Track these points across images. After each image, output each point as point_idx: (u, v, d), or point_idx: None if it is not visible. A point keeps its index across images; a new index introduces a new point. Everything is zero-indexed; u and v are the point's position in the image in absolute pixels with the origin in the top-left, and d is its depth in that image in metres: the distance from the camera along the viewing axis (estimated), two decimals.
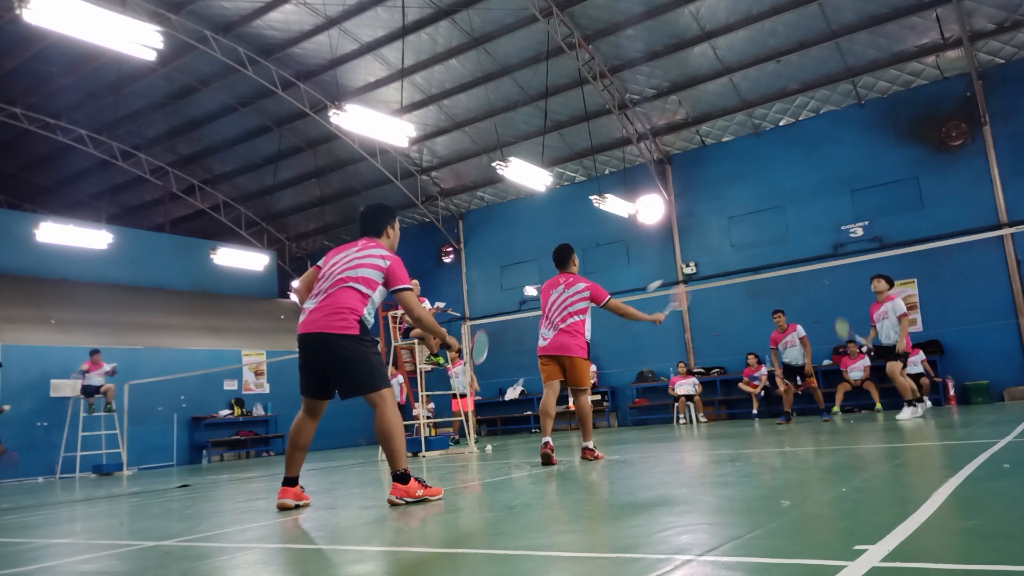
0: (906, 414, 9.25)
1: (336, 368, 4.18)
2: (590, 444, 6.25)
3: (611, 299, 6.30)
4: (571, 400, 8.66)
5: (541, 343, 6.23)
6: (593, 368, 16.64)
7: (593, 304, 6.26)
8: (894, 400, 12.89)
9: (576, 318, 6.16)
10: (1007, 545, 1.98)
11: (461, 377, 12.60)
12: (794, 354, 10.93)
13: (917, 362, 12.79)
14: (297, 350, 4.29)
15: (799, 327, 10.93)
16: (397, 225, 4.66)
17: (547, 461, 5.90)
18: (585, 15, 14.20)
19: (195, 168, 20.83)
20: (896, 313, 9.32)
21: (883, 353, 9.53)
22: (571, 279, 6.32)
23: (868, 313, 9.73)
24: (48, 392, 13.56)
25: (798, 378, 10.95)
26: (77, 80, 16.52)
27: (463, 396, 11.48)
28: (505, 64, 15.58)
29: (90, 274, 17.73)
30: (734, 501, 3.28)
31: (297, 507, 4.36)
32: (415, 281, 10.05)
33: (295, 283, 16.52)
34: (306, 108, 16.72)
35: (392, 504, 4.01)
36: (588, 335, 6.25)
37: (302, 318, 4.31)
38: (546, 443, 5.99)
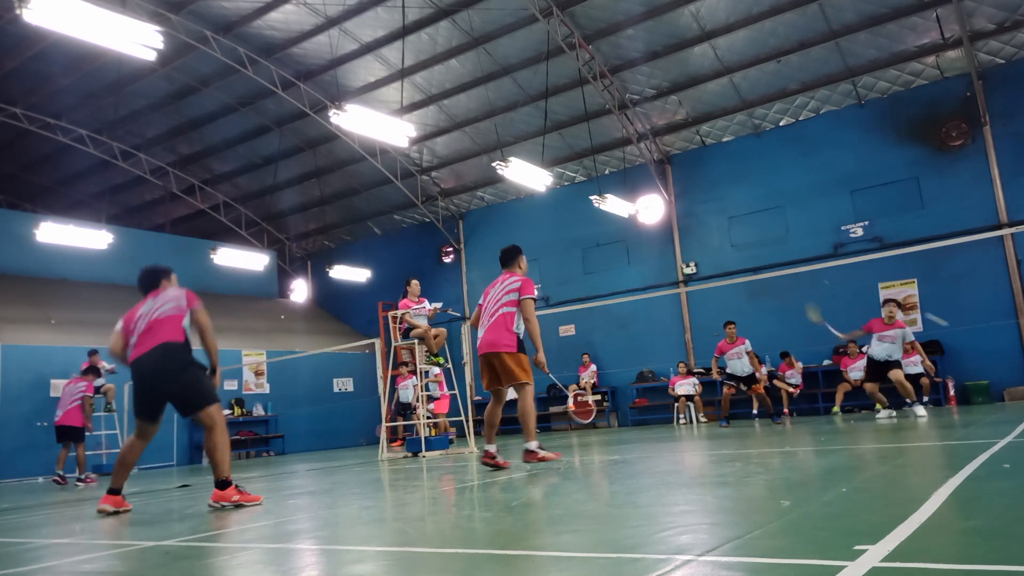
0: (922, 411, 9.47)
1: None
2: (531, 445, 5.93)
3: (527, 300, 5.82)
4: (569, 400, 8.65)
5: (477, 343, 5.98)
6: (594, 368, 16.65)
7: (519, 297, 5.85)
8: (894, 400, 12.89)
9: (505, 309, 5.80)
10: (1007, 545, 1.98)
11: (410, 389, 12.68)
12: (738, 366, 11.27)
13: (917, 362, 12.79)
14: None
15: (747, 341, 11.29)
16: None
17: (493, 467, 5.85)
18: (585, 15, 14.20)
19: (195, 168, 20.83)
20: (907, 340, 9.69)
21: (878, 367, 9.79)
22: (508, 276, 6.04)
23: (867, 318, 9.89)
24: (48, 392, 13.56)
25: (742, 385, 11.47)
26: (77, 80, 16.52)
27: (437, 399, 11.61)
28: (505, 64, 15.58)
29: (90, 274, 17.72)
30: (734, 501, 3.28)
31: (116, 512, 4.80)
32: (415, 281, 10.08)
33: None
34: (306, 108, 16.72)
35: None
36: (519, 330, 5.85)
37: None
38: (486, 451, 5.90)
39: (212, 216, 22.01)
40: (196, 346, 5.05)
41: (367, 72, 16.54)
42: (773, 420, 11.28)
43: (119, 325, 5.37)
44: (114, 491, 4.93)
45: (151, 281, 5.60)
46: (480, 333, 5.96)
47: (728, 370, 11.41)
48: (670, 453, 6.55)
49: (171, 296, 5.30)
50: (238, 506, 4.62)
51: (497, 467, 5.90)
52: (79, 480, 10.24)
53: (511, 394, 6.12)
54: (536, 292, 6.05)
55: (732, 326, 11.37)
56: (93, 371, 10.64)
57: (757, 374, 11.50)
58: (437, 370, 11.27)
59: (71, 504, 6.71)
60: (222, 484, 4.69)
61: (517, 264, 6.18)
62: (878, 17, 13.20)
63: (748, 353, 11.28)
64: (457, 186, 19.61)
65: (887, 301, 10.08)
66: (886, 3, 12.99)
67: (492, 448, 5.98)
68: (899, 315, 9.87)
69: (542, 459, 5.86)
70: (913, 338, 9.82)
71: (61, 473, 10.13)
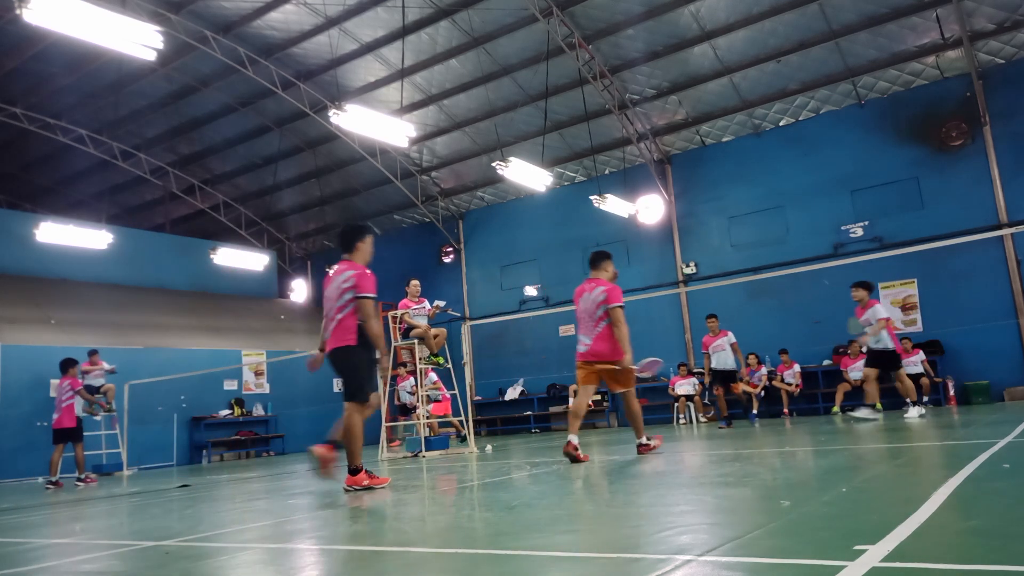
0: (914, 413, 9.33)
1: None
2: (643, 440, 6.49)
3: (616, 309, 6.21)
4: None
5: (580, 349, 6.37)
6: None
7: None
8: (894, 400, 12.90)
9: (605, 321, 6.22)
10: (1007, 545, 1.98)
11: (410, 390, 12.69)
12: (723, 359, 11.10)
13: (917, 362, 12.79)
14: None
15: (730, 333, 11.17)
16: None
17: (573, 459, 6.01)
18: (585, 15, 14.20)
19: (195, 168, 20.83)
20: (876, 317, 9.40)
21: (872, 357, 9.63)
22: (595, 285, 6.37)
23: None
24: (48, 392, 13.54)
25: (719, 385, 11.25)
26: (77, 80, 16.52)
27: (437, 401, 11.58)
28: (505, 64, 15.58)
29: (90, 274, 17.72)
30: (734, 501, 3.28)
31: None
32: (415, 281, 10.08)
33: None
34: (306, 108, 16.72)
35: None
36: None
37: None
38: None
39: (212, 216, 22.01)
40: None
41: (367, 72, 16.54)
42: (750, 420, 11.18)
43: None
44: (354, 470, 5.13)
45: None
46: (587, 341, 6.31)
47: (712, 364, 11.28)
48: (670, 453, 6.55)
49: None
50: (368, 489, 4.98)
51: (577, 460, 5.98)
52: (79, 480, 10.24)
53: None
54: (623, 299, 6.37)
55: (714, 319, 11.33)
56: (70, 364, 10.41)
57: (740, 371, 11.38)
58: (435, 377, 11.26)
59: (71, 504, 6.71)
60: (354, 471, 5.07)
61: (603, 269, 6.50)
62: (878, 17, 13.20)
63: (732, 346, 11.18)
64: (457, 186, 19.61)
65: (851, 287, 9.83)
66: (886, 3, 12.99)
67: (575, 439, 6.10)
68: (864, 294, 9.62)
69: (652, 449, 6.47)
70: (884, 314, 9.42)
71: (55, 479, 10.05)
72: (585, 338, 6.33)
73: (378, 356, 5.34)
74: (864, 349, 11.44)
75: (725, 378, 11.21)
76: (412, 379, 11.89)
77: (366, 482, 5.06)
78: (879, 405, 9.82)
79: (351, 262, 5.45)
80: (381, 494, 4.79)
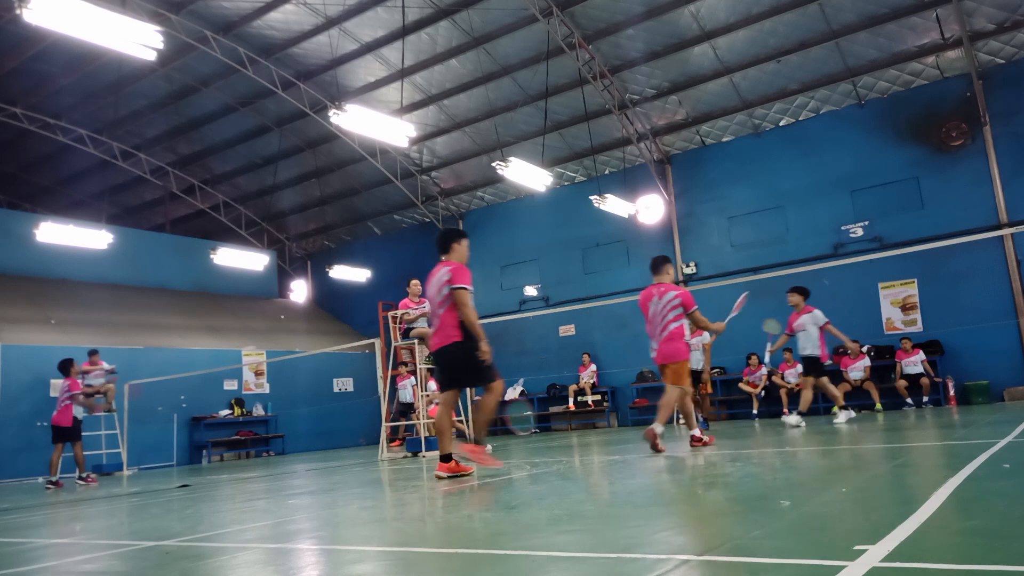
0: (842, 418, 9.22)
1: None
2: (695, 432, 6.86)
3: (694, 313, 6.80)
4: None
5: (652, 353, 6.96)
6: (594, 368, 16.66)
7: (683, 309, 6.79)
8: (894, 400, 12.91)
9: (674, 325, 6.75)
10: (1007, 545, 1.98)
11: (409, 390, 12.71)
12: (694, 358, 10.41)
13: (917, 362, 12.80)
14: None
15: (705, 333, 10.61)
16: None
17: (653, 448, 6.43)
18: (585, 15, 14.20)
19: (195, 168, 20.83)
20: (817, 324, 9.32)
21: (805, 364, 9.50)
22: (665, 290, 6.85)
23: (867, 318, 9.79)
24: (48, 392, 13.54)
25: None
26: (77, 80, 16.52)
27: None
28: (505, 64, 15.57)
29: (90, 274, 17.72)
30: (734, 501, 3.28)
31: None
32: (415, 281, 10.07)
33: None
34: (306, 108, 16.72)
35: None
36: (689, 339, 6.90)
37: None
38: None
39: (212, 216, 22.01)
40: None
41: (367, 72, 16.54)
42: (701, 426, 10.64)
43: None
44: (446, 457, 5.51)
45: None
46: (655, 345, 6.87)
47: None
48: (670, 453, 6.55)
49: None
50: (453, 475, 5.45)
51: (655, 448, 6.43)
52: (80, 479, 10.21)
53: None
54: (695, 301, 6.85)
55: (797, 295, 10.55)
56: (66, 364, 10.42)
57: (705, 373, 10.81)
58: (434, 386, 11.25)
59: (71, 504, 6.71)
60: (445, 458, 5.49)
61: (665, 272, 7.00)
62: (878, 17, 13.20)
63: (704, 346, 10.69)
64: (457, 186, 19.61)
65: (787, 292, 9.71)
66: (886, 3, 12.98)
67: (660, 429, 6.54)
68: (799, 299, 9.54)
69: (705, 443, 6.75)
70: (825, 320, 9.29)
71: (55, 479, 10.03)
72: (653, 342, 6.87)
73: (480, 346, 5.52)
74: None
75: (695, 377, 10.44)
76: (413, 379, 11.86)
77: (447, 472, 5.50)
78: (837, 405, 9.63)
79: (447, 261, 5.82)
80: (468, 481, 5.32)
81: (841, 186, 14.66)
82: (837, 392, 9.64)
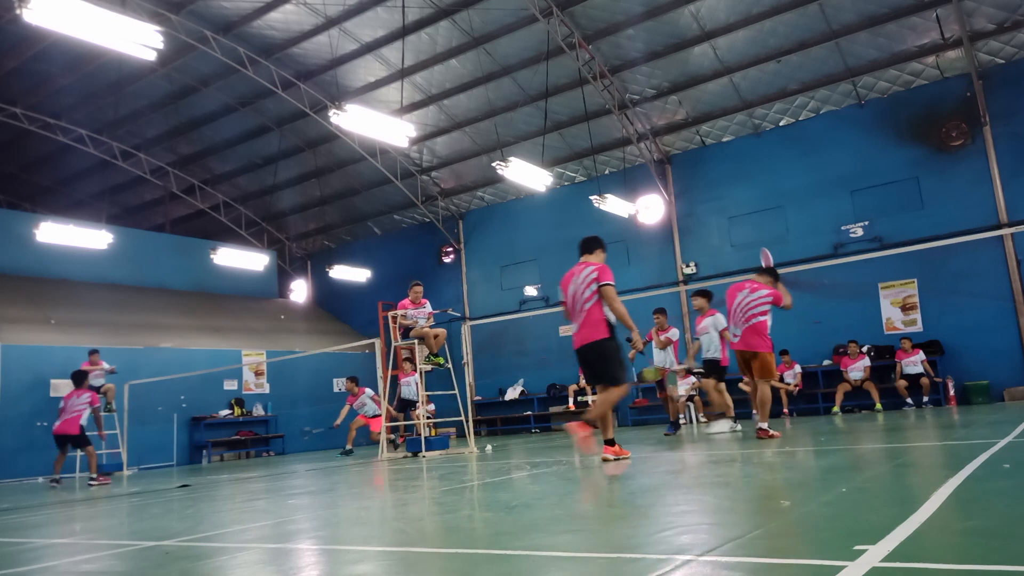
0: (719, 427, 9.00)
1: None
2: (764, 425, 7.24)
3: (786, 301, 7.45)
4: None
5: (732, 338, 7.61)
6: None
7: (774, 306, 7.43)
8: (894, 400, 12.91)
9: (757, 320, 7.34)
10: (1007, 545, 1.98)
11: (370, 404, 12.89)
12: (660, 357, 10.09)
13: (917, 362, 12.80)
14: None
15: (675, 330, 10.35)
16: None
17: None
18: (585, 15, 14.20)
19: (195, 168, 20.83)
20: (718, 328, 9.28)
21: (707, 367, 9.37)
22: (758, 287, 7.56)
23: (867, 317, 9.80)
24: (48, 392, 13.55)
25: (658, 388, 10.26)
26: (77, 80, 16.52)
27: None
28: (505, 64, 15.57)
29: (90, 274, 17.72)
30: (734, 501, 3.28)
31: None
32: (419, 287, 10.11)
33: None
34: (306, 108, 16.72)
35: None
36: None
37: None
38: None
39: (212, 216, 22.01)
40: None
41: (367, 72, 16.54)
42: (667, 431, 9.88)
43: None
44: (610, 442, 5.95)
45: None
46: (737, 332, 7.50)
47: (655, 361, 10.10)
48: (670, 453, 6.54)
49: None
50: (619, 458, 5.81)
51: (770, 437, 7.02)
52: (91, 480, 10.05)
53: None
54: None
55: (662, 315, 10.26)
56: (82, 376, 10.43)
57: (679, 373, 10.42)
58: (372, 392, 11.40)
59: (71, 504, 6.71)
60: (610, 442, 5.93)
61: (766, 275, 7.78)
62: (878, 17, 13.20)
63: (673, 343, 10.20)
64: (457, 186, 19.61)
65: (692, 295, 9.71)
66: (886, 3, 12.98)
67: (765, 424, 7.24)
68: (703, 303, 9.50)
69: (771, 436, 7.06)
70: (725, 324, 8.97)
71: (58, 477, 10.09)
72: (736, 329, 7.58)
73: (630, 335, 6.03)
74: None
75: (716, 367, 9.97)
76: (416, 376, 11.80)
77: (615, 454, 5.89)
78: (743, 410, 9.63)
79: (588, 261, 6.34)
80: (625, 463, 5.57)
81: (841, 186, 14.66)
82: (729, 401, 9.34)
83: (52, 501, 7.29)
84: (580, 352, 6.13)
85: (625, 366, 6.09)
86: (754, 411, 12.45)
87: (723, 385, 9.35)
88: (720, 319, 9.33)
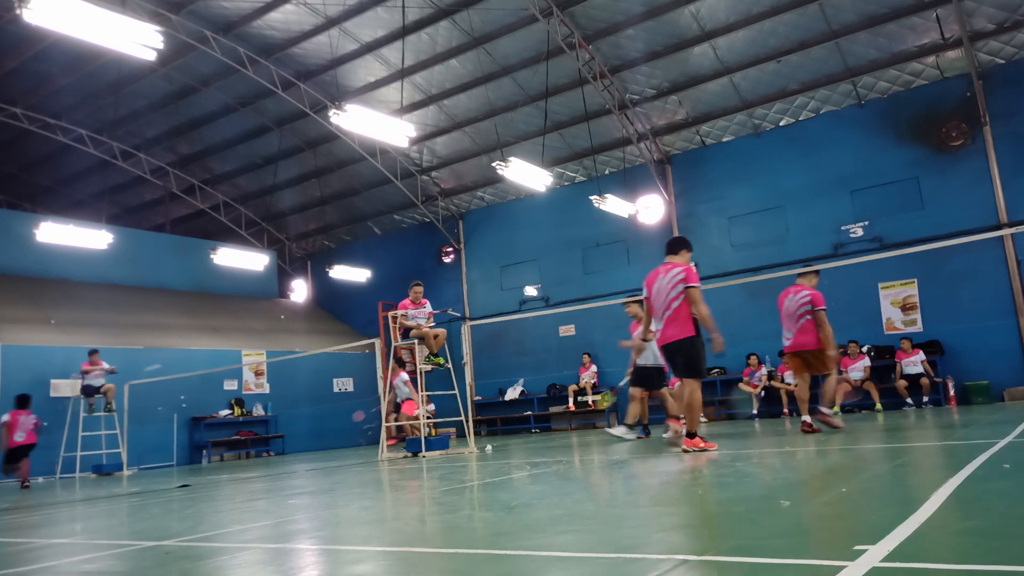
0: (619, 431, 8.94)
1: None
2: (825, 410, 7.59)
3: (820, 311, 7.64)
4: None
5: (785, 343, 7.90)
6: (594, 368, 16.66)
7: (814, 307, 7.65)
8: (894, 400, 12.91)
9: (806, 318, 7.65)
10: (1007, 545, 1.98)
11: (403, 388, 12.72)
12: (651, 354, 8.97)
13: (917, 362, 12.80)
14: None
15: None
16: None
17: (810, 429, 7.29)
18: (585, 15, 14.20)
19: (195, 168, 20.83)
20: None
21: (640, 375, 9.06)
22: (799, 288, 7.85)
23: (867, 317, 9.81)
24: (48, 392, 13.55)
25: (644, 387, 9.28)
26: (77, 80, 16.52)
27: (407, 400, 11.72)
28: (505, 64, 15.57)
29: (90, 274, 17.72)
30: (734, 501, 3.28)
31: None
32: (419, 287, 10.10)
33: None
34: (306, 108, 16.71)
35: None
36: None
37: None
38: (804, 421, 7.47)
39: (212, 216, 22.01)
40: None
41: (367, 72, 16.54)
42: (639, 434, 9.40)
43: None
44: (691, 434, 6.28)
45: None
46: (789, 335, 7.80)
47: (639, 361, 9.09)
48: (670, 453, 6.54)
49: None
50: (703, 450, 6.10)
51: (833, 427, 7.47)
52: (24, 485, 10.83)
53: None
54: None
55: (635, 305, 9.37)
56: (24, 400, 11.61)
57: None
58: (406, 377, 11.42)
59: (71, 504, 6.72)
60: (692, 435, 6.23)
61: (807, 278, 7.98)
62: (878, 17, 13.20)
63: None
64: (457, 186, 19.61)
65: (624, 304, 9.31)
66: (886, 3, 12.98)
67: (819, 414, 7.56)
68: (636, 310, 9.14)
69: (834, 425, 7.50)
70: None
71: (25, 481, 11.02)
72: (788, 332, 7.80)
73: (710, 336, 6.29)
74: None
75: (648, 377, 9.13)
76: (405, 374, 11.96)
77: (701, 445, 6.17)
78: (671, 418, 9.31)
79: (675, 262, 6.71)
80: (711, 455, 5.78)
81: (841, 186, 14.66)
82: (640, 411, 9.15)
83: (52, 501, 7.29)
84: (666, 348, 6.55)
85: (706, 362, 6.52)
86: (804, 403, 12.50)
87: (665, 391, 9.19)
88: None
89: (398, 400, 13.04)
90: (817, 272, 8.07)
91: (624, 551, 2.30)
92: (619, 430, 9.16)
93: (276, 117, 18.33)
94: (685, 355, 6.37)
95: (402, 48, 14.87)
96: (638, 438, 9.14)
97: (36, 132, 17.85)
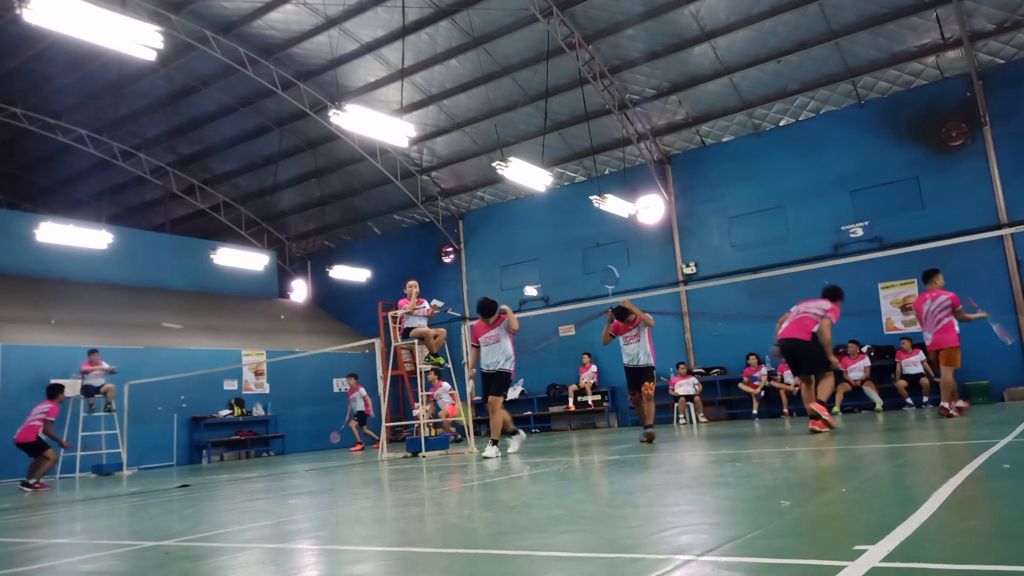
0: (491, 451, 8.09)
1: None
2: (945, 404, 8.62)
3: (961, 310, 8.61)
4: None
5: (925, 342, 8.98)
6: (594, 368, 16.66)
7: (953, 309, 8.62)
8: (894, 400, 12.91)
9: (945, 320, 8.61)
10: (1007, 545, 1.98)
11: (445, 397, 13.84)
12: (634, 351, 8.57)
13: (917, 362, 12.79)
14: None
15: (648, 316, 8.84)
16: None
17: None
18: (585, 15, 14.20)
19: (195, 168, 20.83)
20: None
21: (635, 375, 8.59)
22: (936, 293, 8.74)
23: (867, 317, 9.86)
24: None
25: (632, 389, 8.78)
26: (77, 80, 16.52)
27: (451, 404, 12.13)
28: (505, 64, 15.57)
29: (90, 274, 17.72)
30: (734, 501, 3.28)
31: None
32: (413, 282, 10.06)
33: None
34: (306, 108, 16.71)
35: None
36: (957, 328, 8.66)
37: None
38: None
39: (212, 216, 22.01)
40: None
41: (367, 72, 16.53)
42: (641, 438, 8.76)
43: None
44: (815, 417, 7.42)
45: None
46: (929, 335, 8.82)
47: (625, 360, 8.72)
48: (670, 453, 6.54)
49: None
50: (827, 426, 7.38)
51: (952, 415, 8.49)
52: (25, 485, 10.27)
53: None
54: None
55: (626, 301, 8.88)
56: (58, 390, 11.10)
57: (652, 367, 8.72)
58: (430, 388, 12.01)
59: (71, 504, 6.72)
60: (815, 416, 7.36)
61: (935, 282, 8.89)
62: (878, 17, 13.19)
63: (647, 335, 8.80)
64: (457, 186, 19.61)
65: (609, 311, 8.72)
66: (886, 3, 12.98)
67: (958, 403, 8.73)
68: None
69: (951, 415, 8.47)
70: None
71: (32, 482, 10.42)
72: (928, 333, 8.77)
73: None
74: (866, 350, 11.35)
75: (638, 377, 8.66)
76: (363, 389, 14.37)
77: (826, 416, 7.36)
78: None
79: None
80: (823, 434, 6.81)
81: (841, 186, 14.65)
82: (500, 422, 8.49)
83: (52, 501, 7.29)
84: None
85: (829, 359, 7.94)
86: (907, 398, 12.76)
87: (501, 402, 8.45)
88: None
89: (439, 407, 13.95)
90: (938, 271, 8.91)
91: (624, 551, 2.30)
92: (491, 451, 8.09)
93: (276, 117, 18.33)
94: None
95: (402, 48, 14.87)
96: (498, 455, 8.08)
97: (36, 132, 17.85)
